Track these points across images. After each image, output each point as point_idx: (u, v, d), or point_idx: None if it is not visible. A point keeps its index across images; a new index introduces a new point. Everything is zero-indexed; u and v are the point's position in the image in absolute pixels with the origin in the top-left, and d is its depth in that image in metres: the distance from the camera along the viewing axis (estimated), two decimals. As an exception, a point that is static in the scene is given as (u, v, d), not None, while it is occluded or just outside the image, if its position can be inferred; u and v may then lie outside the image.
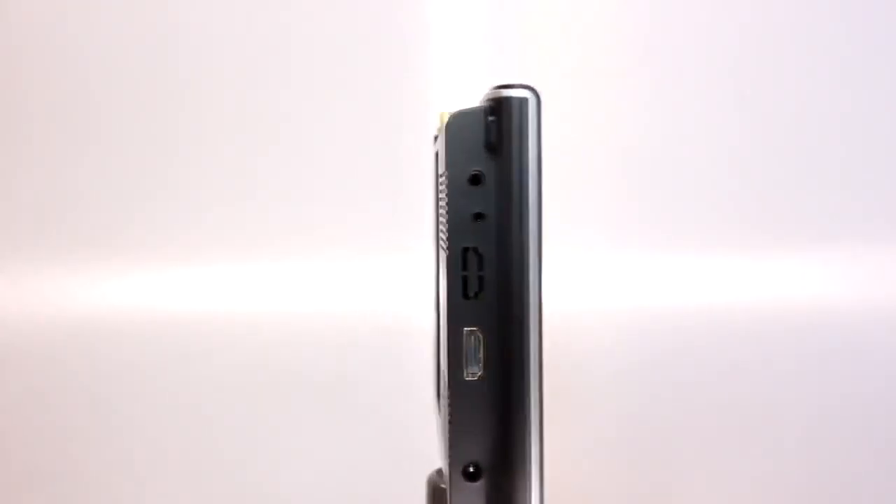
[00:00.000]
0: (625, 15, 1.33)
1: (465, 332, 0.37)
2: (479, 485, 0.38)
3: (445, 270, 0.38)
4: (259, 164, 1.33)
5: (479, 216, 0.37)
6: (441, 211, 0.41)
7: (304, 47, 1.33)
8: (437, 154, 0.61)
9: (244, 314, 1.24)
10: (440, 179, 0.39)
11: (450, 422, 0.38)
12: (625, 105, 1.25)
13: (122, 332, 1.21)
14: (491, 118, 0.38)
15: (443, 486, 0.50)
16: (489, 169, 0.38)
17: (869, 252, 1.28)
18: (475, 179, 0.38)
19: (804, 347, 1.16)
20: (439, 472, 0.51)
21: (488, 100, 0.38)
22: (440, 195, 0.41)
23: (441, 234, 0.40)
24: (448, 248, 0.38)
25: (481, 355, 0.37)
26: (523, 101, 0.37)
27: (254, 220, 1.31)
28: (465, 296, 0.37)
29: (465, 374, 0.37)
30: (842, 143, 1.32)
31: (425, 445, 0.51)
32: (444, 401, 0.37)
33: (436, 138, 0.58)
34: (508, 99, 0.37)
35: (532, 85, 0.38)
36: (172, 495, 0.86)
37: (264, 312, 1.24)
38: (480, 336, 0.37)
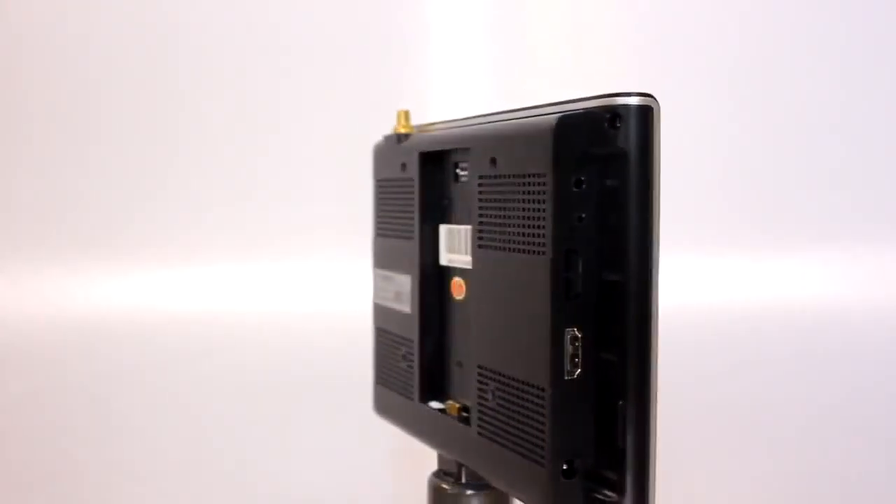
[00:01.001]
0: (624, 16, 1.33)
1: (566, 333, 0.37)
2: (576, 481, 0.37)
3: (548, 272, 0.37)
4: (259, 164, 1.33)
5: (579, 219, 0.37)
6: (517, 213, 0.39)
7: (304, 49, 1.34)
8: (378, 151, 0.58)
9: (244, 314, 1.24)
10: (536, 179, 0.37)
11: (553, 421, 0.37)
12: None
13: (122, 332, 1.22)
14: (608, 124, 0.37)
15: (444, 486, 0.50)
16: (597, 173, 0.37)
17: (869, 252, 1.28)
18: (580, 183, 0.37)
19: (804, 347, 1.16)
20: (438, 473, 0.51)
21: (604, 106, 0.37)
22: (521, 196, 0.39)
23: (520, 237, 0.39)
24: (552, 250, 0.37)
25: (581, 355, 0.37)
26: (641, 109, 0.37)
27: (254, 220, 1.32)
28: (567, 297, 0.37)
29: (565, 374, 0.37)
30: (841, 143, 1.32)
31: (426, 445, 0.51)
32: (547, 399, 0.37)
33: (399, 137, 0.55)
34: (627, 106, 0.37)
35: (652, 93, 0.37)
36: (172, 495, 0.86)
37: (264, 312, 1.24)
38: (580, 335, 0.37)
